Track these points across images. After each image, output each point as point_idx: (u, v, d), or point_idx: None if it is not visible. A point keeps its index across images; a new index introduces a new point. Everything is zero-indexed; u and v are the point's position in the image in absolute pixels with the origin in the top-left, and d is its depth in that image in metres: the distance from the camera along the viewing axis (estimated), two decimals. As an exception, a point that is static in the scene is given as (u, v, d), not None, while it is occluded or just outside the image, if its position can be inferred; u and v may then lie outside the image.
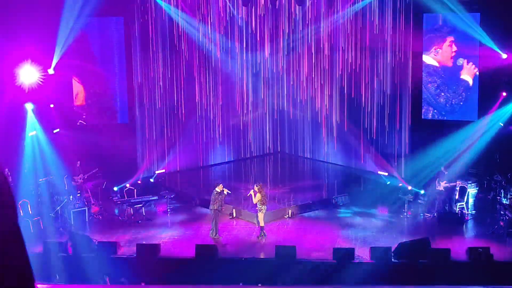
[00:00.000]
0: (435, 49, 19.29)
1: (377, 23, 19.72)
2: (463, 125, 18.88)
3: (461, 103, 19.24)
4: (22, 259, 1.67)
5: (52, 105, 19.41)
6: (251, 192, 16.20)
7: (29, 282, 1.67)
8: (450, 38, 19.11)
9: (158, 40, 20.52)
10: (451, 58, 19.22)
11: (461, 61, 19.02)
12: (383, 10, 19.61)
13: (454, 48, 19.10)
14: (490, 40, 17.88)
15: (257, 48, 22.48)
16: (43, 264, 13.78)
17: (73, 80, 20.22)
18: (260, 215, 15.97)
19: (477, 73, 18.83)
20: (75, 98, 20.34)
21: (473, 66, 18.81)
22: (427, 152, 18.77)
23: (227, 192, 16.28)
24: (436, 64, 19.37)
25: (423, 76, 19.54)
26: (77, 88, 20.37)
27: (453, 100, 19.29)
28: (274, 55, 22.95)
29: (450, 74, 19.27)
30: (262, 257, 14.95)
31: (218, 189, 16.14)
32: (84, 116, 20.20)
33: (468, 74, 18.97)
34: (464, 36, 18.79)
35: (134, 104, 20.55)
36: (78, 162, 18.66)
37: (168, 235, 16.52)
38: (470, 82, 18.96)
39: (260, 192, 15.96)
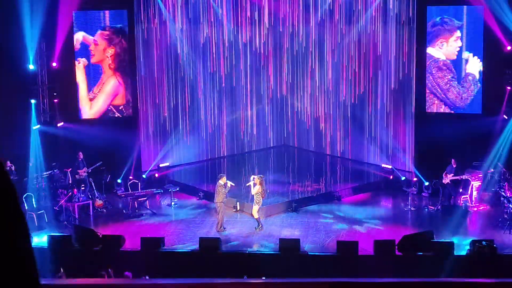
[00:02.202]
0: (440, 42, 19.16)
1: (379, 21, 19.80)
2: (468, 118, 18.81)
3: (472, 97, 19.08)
4: (26, 253, 1.67)
5: (55, 100, 19.41)
6: (251, 182, 16.15)
7: (33, 276, 1.68)
8: (457, 33, 18.97)
9: (161, 35, 20.52)
10: (456, 52, 19.10)
11: (466, 54, 18.90)
12: (386, 5, 19.64)
13: (460, 43, 18.98)
14: (494, 32, 17.79)
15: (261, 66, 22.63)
16: (48, 258, 13.81)
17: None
18: (255, 208, 15.96)
19: (481, 68, 18.69)
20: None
21: (478, 60, 18.70)
22: (432, 146, 18.71)
23: (231, 185, 16.27)
24: (443, 57, 19.21)
25: (433, 71, 19.41)
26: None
27: (464, 95, 19.16)
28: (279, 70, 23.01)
29: (458, 67, 19.15)
30: (266, 250, 14.96)
31: (221, 181, 16.13)
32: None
33: (474, 67, 18.84)
34: (469, 30, 18.69)
35: (137, 96, 20.49)
36: (82, 155, 18.66)
37: (172, 228, 16.55)
38: (477, 76, 18.84)
39: (260, 184, 15.94)
